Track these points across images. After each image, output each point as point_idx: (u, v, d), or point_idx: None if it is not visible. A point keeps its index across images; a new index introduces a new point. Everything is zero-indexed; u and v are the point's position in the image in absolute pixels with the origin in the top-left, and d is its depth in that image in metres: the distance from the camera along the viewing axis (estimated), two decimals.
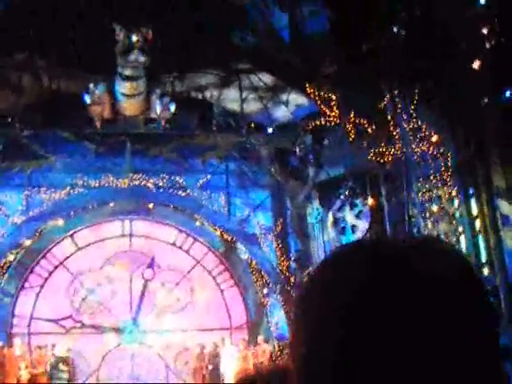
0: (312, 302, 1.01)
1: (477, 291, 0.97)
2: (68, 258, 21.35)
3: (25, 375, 17.43)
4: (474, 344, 0.92)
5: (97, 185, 20.91)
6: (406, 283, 0.94)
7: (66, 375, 18.02)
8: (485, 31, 15.62)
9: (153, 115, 20.31)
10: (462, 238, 16.94)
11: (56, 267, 21.21)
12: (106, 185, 20.93)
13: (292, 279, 20.90)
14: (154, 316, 21.10)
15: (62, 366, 17.96)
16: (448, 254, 1.00)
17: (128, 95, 19.82)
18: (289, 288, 20.76)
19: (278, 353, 19.54)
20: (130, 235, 22.07)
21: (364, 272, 0.96)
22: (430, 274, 0.94)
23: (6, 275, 20.42)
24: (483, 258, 16.45)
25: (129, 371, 19.75)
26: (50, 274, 21.08)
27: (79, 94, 19.13)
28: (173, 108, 19.94)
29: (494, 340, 0.96)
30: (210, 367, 18.98)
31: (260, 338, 19.79)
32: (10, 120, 18.93)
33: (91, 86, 19.28)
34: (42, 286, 20.92)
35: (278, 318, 20.74)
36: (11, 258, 20.47)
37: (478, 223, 16.81)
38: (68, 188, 20.71)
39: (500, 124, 15.60)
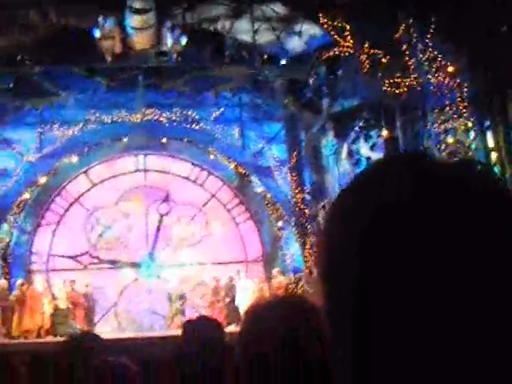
0: (332, 229, 0.94)
1: None
2: (83, 194, 21.50)
3: (48, 310, 17.74)
4: None
5: (109, 120, 20.84)
6: (456, 200, 0.85)
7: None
8: None
9: (164, 48, 19.97)
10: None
11: (71, 204, 21.40)
12: (119, 120, 20.87)
13: (307, 211, 20.95)
14: (170, 250, 21.33)
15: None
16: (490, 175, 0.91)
17: (138, 28, 19.48)
18: (304, 220, 20.84)
19: (294, 285, 19.76)
20: (145, 170, 22.13)
21: (398, 187, 0.88)
22: (481, 193, 0.86)
23: (23, 213, 20.61)
24: None
25: (146, 305, 20.07)
26: (66, 210, 21.28)
27: (89, 29, 18.83)
28: (184, 41, 19.60)
29: None
30: (227, 300, 19.20)
31: (275, 271, 19.95)
32: (19, 58, 18.68)
33: (100, 20, 18.93)
34: (58, 223, 21.15)
35: (294, 251, 20.90)
36: (27, 196, 20.61)
37: (493, 155, 16.69)
38: (81, 124, 20.68)
39: None
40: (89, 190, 21.63)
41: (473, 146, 16.97)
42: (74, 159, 20.91)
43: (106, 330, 18.69)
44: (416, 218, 0.84)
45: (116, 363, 3.45)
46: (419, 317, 0.84)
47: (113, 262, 20.86)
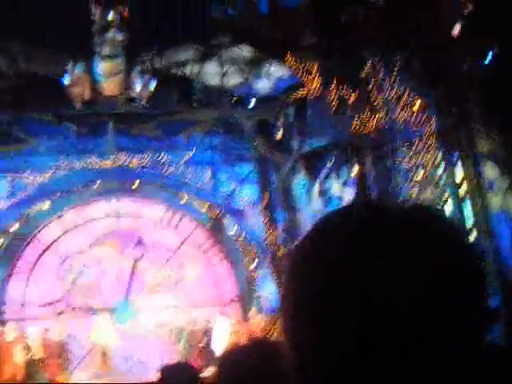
0: (298, 269, 0.99)
1: (472, 260, 0.96)
2: (55, 241, 21.31)
3: (21, 360, 17.40)
4: (463, 307, 0.91)
5: (80, 166, 20.77)
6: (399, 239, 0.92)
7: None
8: None
9: (133, 94, 20.10)
10: (448, 204, 17.01)
11: (44, 251, 21.16)
12: (90, 166, 20.80)
13: (281, 251, 20.94)
14: (145, 295, 21.14)
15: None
16: (441, 220, 0.99)
17: (107, 75, 19.60)
18: (278, 260, 20.82)
19: (271, 326, 19.64)
20: (117, 215, 22.03)
21: (356, 230, 0.94)
22: (429, 237, 0.93)
23: None
24: (470, 223, 16.53)
25: (122, 351, 19.79)
26: (39, 258, 21.05)
27: (58, 76, 18.88)
28: (153, 85, 19.74)
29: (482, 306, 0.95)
30: (203, 343, 19.03)
31: (252, 312, 19.85)
32: None
33: (69, 66, 19.03)
34: (31, 271, 20.88)
35: (269, 291, 20.81)
36: None
37: (463, 188, 16.87)
38: (51, 171, 20.57)
39: (482, 89, 15.59)
40: (61, 236, 21.42)
41: (442, 181, 17.15)
42: (46, 206, 20.75)
43: (82, 378, 18.40)
44: (388, 265, 0.89)
45: None
46: (385, 367, 0.88)
47: (87, 309, 20.62)
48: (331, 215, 1.05)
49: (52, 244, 21.26)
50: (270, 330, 19.54)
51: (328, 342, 0.91)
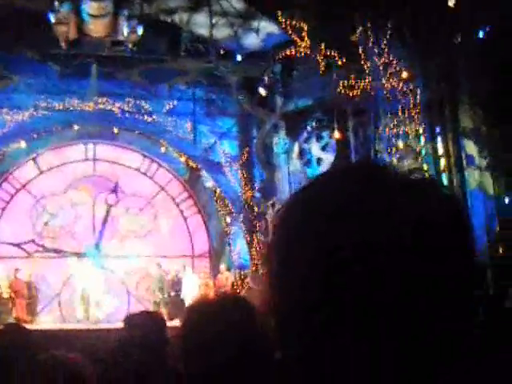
0: (284, 230, 0.97)
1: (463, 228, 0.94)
2: (30, 181, 21.11)
3: None
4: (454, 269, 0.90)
5: (61, 107, 20.46)
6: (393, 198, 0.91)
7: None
8: None
9: (120, 37, 19.75)
10: (426, 176, 17.06)
11: (18, 190, 20.98)
12: (71, 107, 20.50)
13: (256, 209, 20.98)
14: (117, 241, 21.13)
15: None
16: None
17: (94, 15, 19.18)
18: (252, 218, 20.86)
19: (240, 281, 19.79)
20: (94, 159, 21.86)
21: (349, 187, 0.93)
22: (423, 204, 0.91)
23: None
24: None
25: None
26: (12, 197, 20.86)
27: (44, 13, 18.47)
28: (140, 31, 19.38)
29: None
30: (172, 294, 19.13)
31: (222, 267, 19.95)
32: None
33: (56, 4, 18.60)
34: (3, 209, 20.71)
35: (240, 247, 20.92)
36: None
37: (442, 162, 16.96)
38: (31, 109, 20.25)
39: (471, 64, 15.57)
40: (36, 177, 21.23)
41: (422, 152, 17.20)
42: (23, 145, 20.48)
43: (48, 320, 18.45)
44: (368, 223, 0.88)
45: (65, 359, 3.29)
46: (368, 314, 0.86)
47: (58, 251, 20.57)
48: (328, 171, 1.05)
49: (27, 184, 21.06)
50: (238, 285, 19.71)
51: (311, 300, 0.90)
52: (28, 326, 13.26)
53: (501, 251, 15.32)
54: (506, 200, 16.01)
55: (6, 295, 17.40)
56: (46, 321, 18.34)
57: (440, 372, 0.88)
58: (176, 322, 15.97)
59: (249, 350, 1.90)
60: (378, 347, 0.87)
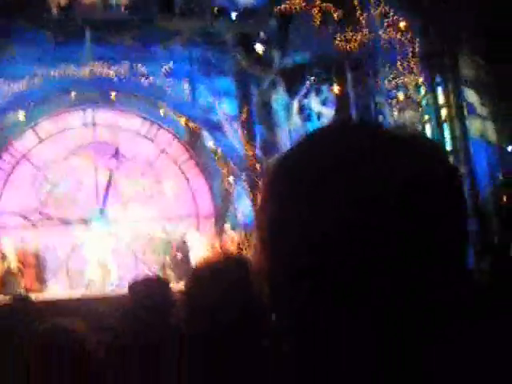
0: (279, 180, 0.97)
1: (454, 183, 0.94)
2: (31, 150, 21.08)
3: None
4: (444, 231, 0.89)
5: (57, 74, 20.29)
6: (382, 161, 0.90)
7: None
8: None
9: (112, 1, 19.54)
10: (428, 127, 17.06)
11: (19, 161, 20.95)
12: (67, 74, 20.32)
13: (258, 167, 20.94)
14: (121, 206, 21.16)
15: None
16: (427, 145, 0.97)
17: None
18: (255, 176, 20.84)
19: (245, 241, 19.84)
20: (93, 125, 21.78)
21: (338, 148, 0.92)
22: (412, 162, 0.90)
23: None
24: (448, 147, 16.62)
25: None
26: (14, 167, 20.85)
27: None
28: None
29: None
30: (179, 256, 19.22)
31: (227, 226, 20.02)
32: None
33: None
34: (5, 181, 20.71)
35: (245, 206, 20.94)
36: None
37: (444, 112, 16.89)
38: (27, 79, 20.09)
39: (471, 14, 15.37)
40: (36, 145, 21.18)
41: (423, 103, 17.13)
42: (21, 115, 20.38)
43: (56, 288, 18.57)
44: (365, 179, 0.87)
45: (66, 328, 3.25)
46: (363, 279, 0.86)
47: (63, 219, 20.63)
48: (317, 131, 1.04)
49: (27, 153, 21.02)
50: (244, 245, 19.78)
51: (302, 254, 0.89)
52: (38, 295, 13.42)
53: (505, 199, 15.34)
54: (510, 148, 15.96)
55: (14, 266, 17.49)
56: (54, 289, 18.44)
57: (428, 341, 0.87)
58: (182, 284, 16.15)
59: (249, 310, 1.91)
60: (361, 315, 0.87)
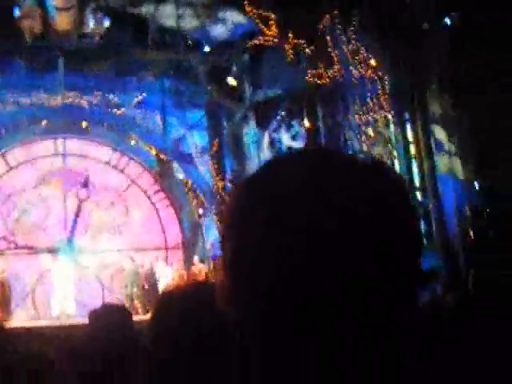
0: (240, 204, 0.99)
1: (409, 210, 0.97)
2: (0, 177, 20.89)
3: None
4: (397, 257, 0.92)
5: (28, 102, 20.23)
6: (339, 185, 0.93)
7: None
8: None
9: (86, 30, 19.56)
10: (397, 163, 17.23)
11: None
12: (38, 102, 20.28)
13: (227, 199, 20.94)
14: (90, 236, 20.99)
15: None
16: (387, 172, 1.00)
17: (60, 8, 18.97)
18: (224, 208, 20.82)
19: (214, 272, 19.77)
20: (64, 154, 21.68)
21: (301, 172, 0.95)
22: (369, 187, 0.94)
23: None
24: (417, 183, 16.81)
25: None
26: None
27: (9, 7, 18.20)
28: (107, 23, 19.21)
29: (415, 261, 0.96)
30: (146, 287, 19.07)
31: (195, 258, 19.95)
32: None
33: None
34: None
35: (213, 238, 20.89)
36: None
37: (412, 148, 17.10)
38: None
39: (439, 51, 15.68)
40: (6, 173, 21.01)
41: (392, 139, 17.33)
42: None
43: (22, 317, 18.30)
44: (314, 207, 0.90)
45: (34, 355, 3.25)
46: (317, 301, 0.88)
47: (30, 248, 20.40)
48: (278, 157, 1.08)
49: None
50: (212, 276, 19.69)
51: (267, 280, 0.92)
52: (5, 323, 13.17)
53: (472, 235, 15.49)
54: (476, 185, 16.19)
55: None
56: (20, 318, 18.18)
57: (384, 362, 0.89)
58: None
59: (214, 330, 1.93)
60: (324, 336, 0.89)
